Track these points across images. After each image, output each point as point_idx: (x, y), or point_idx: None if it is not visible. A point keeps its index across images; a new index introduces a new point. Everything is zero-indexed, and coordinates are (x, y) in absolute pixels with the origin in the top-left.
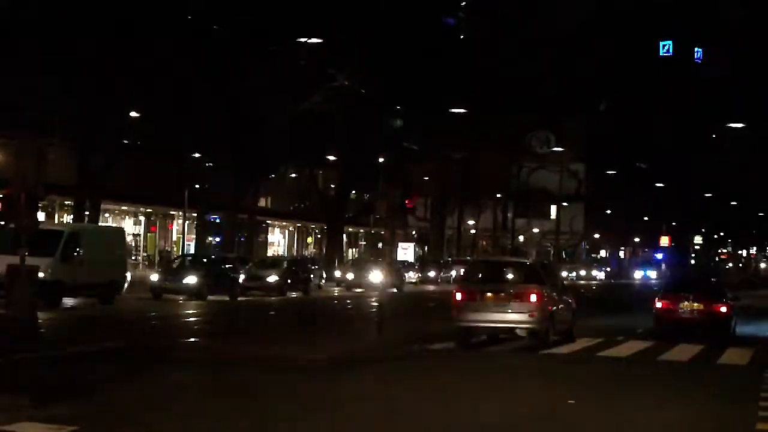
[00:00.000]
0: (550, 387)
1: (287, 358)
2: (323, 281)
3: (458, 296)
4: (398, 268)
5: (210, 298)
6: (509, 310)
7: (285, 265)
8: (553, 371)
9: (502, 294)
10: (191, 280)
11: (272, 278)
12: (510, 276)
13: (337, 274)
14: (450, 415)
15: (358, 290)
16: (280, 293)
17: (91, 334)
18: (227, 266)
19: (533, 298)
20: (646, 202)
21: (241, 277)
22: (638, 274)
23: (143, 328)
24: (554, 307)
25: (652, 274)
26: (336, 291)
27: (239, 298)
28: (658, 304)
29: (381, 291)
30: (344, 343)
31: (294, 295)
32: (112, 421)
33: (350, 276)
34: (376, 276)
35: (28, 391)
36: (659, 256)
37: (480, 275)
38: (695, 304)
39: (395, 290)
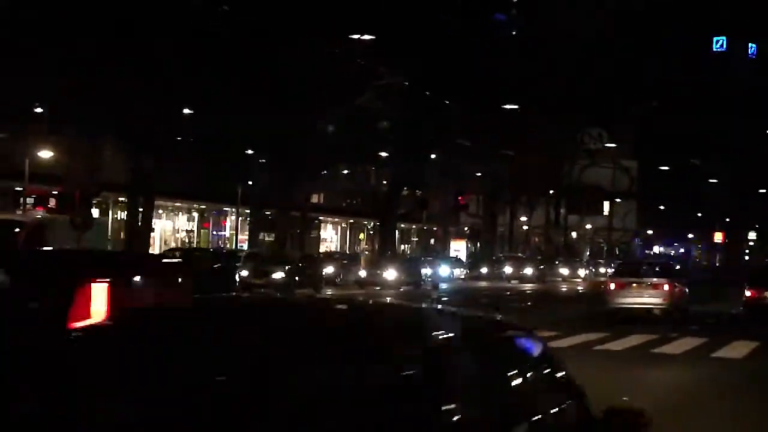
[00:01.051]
0: None
1: None
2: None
3: (612, 286)
4: (418, 263)
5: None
6: (648, 295)
7: (293, 261)
8: None
9: (644, 284)
10: None
11: (278, 275)
12: (648, 271)
13: (362, 273)
14: None
15: (375, 288)
16: (287, 291)
17: None
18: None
19: (666, 287)
20: (700, 198)
21: (244, 273)
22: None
23: None
24: (677, 294)
25: None
26: (354, 289)
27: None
28: (747, 293)
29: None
30: None
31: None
32: None
33: (363, 273)
34: (391, 273)
35: None
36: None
37: (626, 270)
38: None
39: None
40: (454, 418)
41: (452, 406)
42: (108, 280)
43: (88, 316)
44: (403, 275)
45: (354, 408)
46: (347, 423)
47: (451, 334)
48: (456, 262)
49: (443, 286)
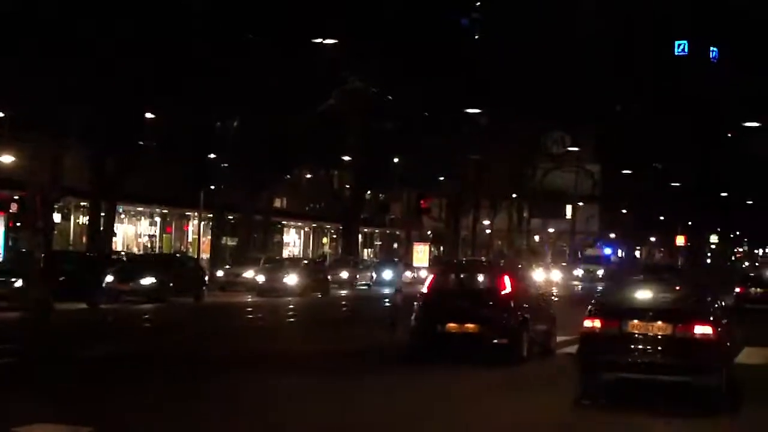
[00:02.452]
0: None
1: None
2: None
3: None
4: (323, 269)
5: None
6: None
7: (166, 264)
8: None
9: None
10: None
11: (147, 281)
12: None
13: (248, 275)
14: None
15: (272, 296)
16: (158, 300)
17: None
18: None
19: None
20: (662, 201)
21: (109, 278)
22: (579, 272)
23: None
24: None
25: (598, 272)
26: (248, 296)
27: (103, 306)
28: (737, 289)
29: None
30: None
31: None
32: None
33: (261, 279)
34: (292, 279)
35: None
36: (608, 251)
37: None
38: (759, 289)
39: (319, 295)
40: None
41: None
42: None
43: None
44: (306, 281)
45: None
46: None
47: None
48: (402, 265)
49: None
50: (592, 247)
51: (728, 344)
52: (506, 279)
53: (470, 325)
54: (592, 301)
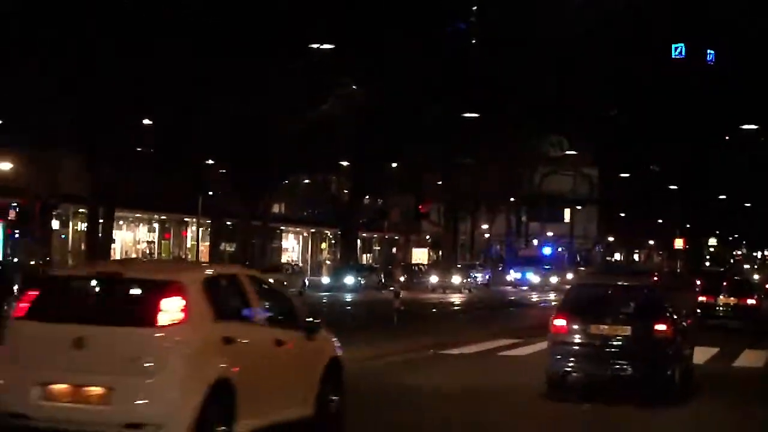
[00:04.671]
0: None
1: None
2: None
3: None
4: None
5: None
6: None
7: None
8: None
9: None
10: None
11: None
12: None
13: None
14: None
15: None
16: None
17: None
18: None
19: None
20: (660, 204)
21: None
22: (513, 277)
23: None
24: None
25: (534, 277)
26: None
27: None
28: (702, 298)
29: None
30: None
31: None
32: None
33: None
34: None
35: None
36: (547, 251)
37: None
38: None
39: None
40: None
41: None
42: None
43: None
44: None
45: None
46: None
47: None
48: (368, 270)
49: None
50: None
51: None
52: None
53: None
54: None
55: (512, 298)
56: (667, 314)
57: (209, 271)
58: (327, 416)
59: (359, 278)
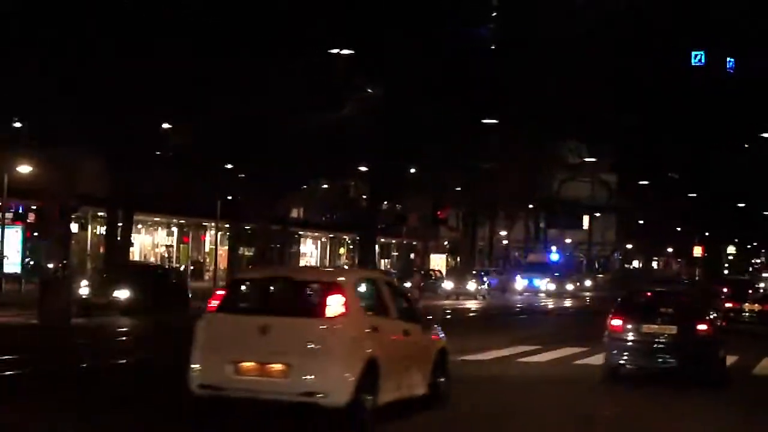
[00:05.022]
0: None
1: None
2: None
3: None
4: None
5: None
6: None
7: (146, 277)
8: None
9: None
10: None
11: (123, 294)
12: None
13: None
14: None
15: None
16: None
17: None
18: None
19: None
20: (679, 212)
21: (86, 291)
22: (521, 284)
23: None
24: None
25: (541, 284)
26: None
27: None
28: (729, 304)
29: None
30: None
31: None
32: None
33: None
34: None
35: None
36: (554, 257)
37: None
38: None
39: None
40: None
41: None
42: None
43: None
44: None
45: None
46: None
47: None
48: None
49: None
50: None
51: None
52: None
53: None
54: None
55: (520, 306)
56: (707, 316)
57: (359, 275)
58: (437, 395)
59: None
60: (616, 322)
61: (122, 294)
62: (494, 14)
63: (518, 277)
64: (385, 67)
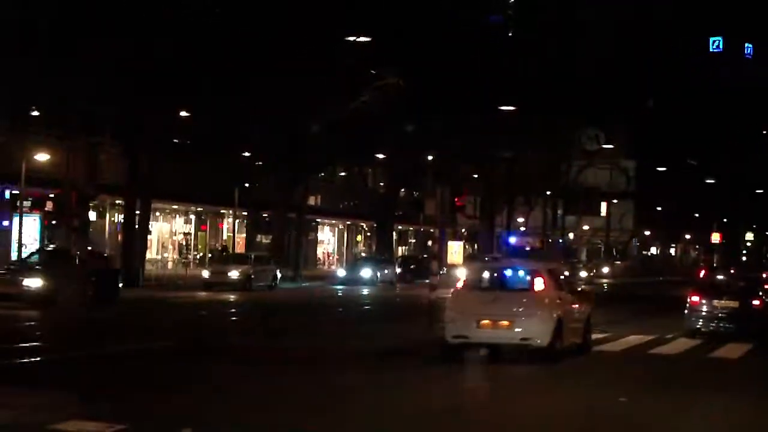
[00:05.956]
0: None
1: None
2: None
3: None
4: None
5: None
6: None
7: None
8: None
9: None
10: None
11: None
12: None
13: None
14: None
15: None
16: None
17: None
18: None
19: None
20: (697, 198)
21: None
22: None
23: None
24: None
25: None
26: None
27: None
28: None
29: None
30: None
31: None
32: (161, 418)
33: (206, 274)
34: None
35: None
36: (512, 240)
37: None
38: None
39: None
40: None
41: None
42: None
43: None
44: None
45: None
46: None
47: None
48: (386, 262)
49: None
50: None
51: None
52: None
53: None
54: None
55: None
56: (760, 294)
57: (550, 266)
58: (587, 344)
59: (376, 271)
60: (695, 299)
61: (33, 283)
62: (512, 1)
63: None
64: (404, 55)
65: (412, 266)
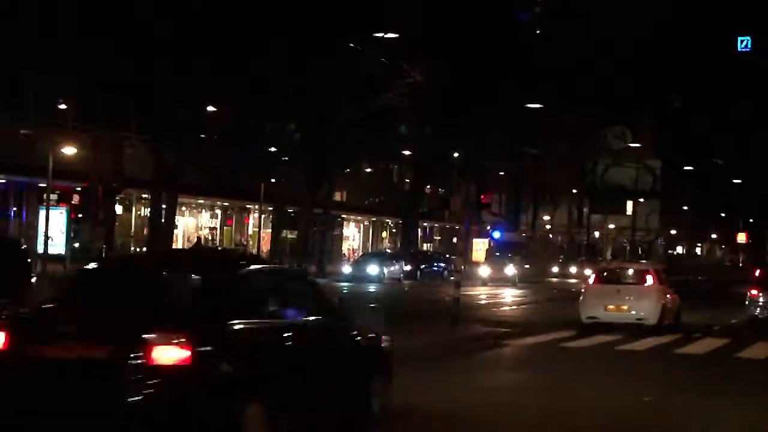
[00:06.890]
0: None
1: None
2: None
3: None
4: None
5: None
6: None
7: None
8: None
9: None
10: None
11: None
12: None
13: None
14: None
15: None
16: None
17: None
18: None
19: None
20: (723, 198)
21: None
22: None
23: None
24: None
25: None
26: None
27: None
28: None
29: None
30: None
31: None
32: None
33: None
34: None
35: None
36: (497, 235)
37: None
38: None
39: None
40: None
41: None
42: None
43: None
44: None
45: None
46: None
47: None
48: (393, 258)
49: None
50: None
51: None
52: None
53: None
54: None
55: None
56: None
57: (657, 267)
58: (678, 326)
59: (383, 267)
60: (754, 292)
61: None
62: None
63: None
64: (431, 53)
65: (422, 264)
